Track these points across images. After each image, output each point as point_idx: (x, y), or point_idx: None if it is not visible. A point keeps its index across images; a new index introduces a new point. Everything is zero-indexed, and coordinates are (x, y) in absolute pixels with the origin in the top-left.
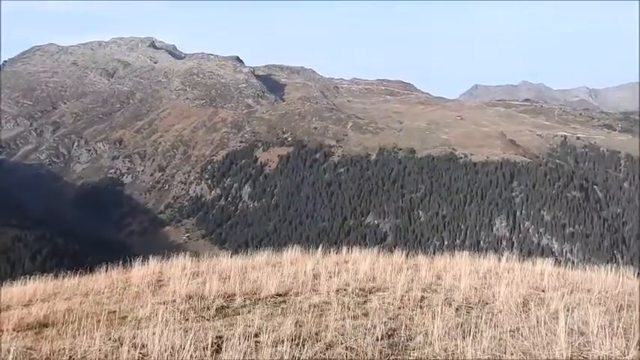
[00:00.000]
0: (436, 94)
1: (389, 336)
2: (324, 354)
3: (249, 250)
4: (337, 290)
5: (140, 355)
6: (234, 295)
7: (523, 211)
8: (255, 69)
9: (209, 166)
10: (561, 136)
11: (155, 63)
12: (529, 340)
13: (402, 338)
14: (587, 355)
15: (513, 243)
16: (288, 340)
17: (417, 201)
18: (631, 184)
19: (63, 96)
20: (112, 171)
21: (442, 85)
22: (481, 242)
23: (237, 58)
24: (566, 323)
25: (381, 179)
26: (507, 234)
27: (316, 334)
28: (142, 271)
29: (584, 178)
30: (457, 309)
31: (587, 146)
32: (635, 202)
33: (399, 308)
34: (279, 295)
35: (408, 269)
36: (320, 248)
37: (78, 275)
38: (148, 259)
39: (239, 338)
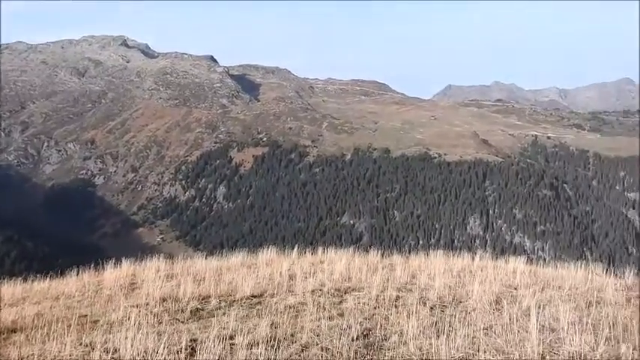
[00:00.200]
0: (410, 94)
1: (364, 336)
2: (300, 355)
3: (224, 251)
4: (313, 291)
5: None
6: (209, 297)
7: (496, 210)
8: (230, 69)
9: (183, 167)
10: (532, 135)
11: (127, 62)
12: (502, 337)
13: (378, 338)
14: (557, 351)
15: (487, 241)
16: (263, 341)
17: (392, 201)
18: (599, 183)
19: (32, 95)
20: (84, 172)
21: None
22: (455, 241)
23: (212, 58)
24: (537, 320)
25: (356, 179)
26: (481, 232)
27: (292, 335)
28: (115, 273)
29: (554, 176)
30: (432, 308)
31: (557, 145)
32: (604, 200)
33: (375, 308)
34: (255, 297)
35: (383, 269)
36: (295, 249)
37: (48, 279)
38: (121, 261)
39: (214, 341)
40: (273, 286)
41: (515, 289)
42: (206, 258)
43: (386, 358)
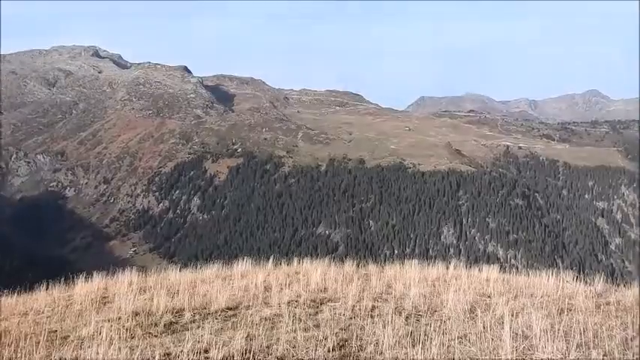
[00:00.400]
0: (385, 105)
1: (340, 347)
2: None
3: (198, 263)
4: (289, 302)
5: None
6: (183, 310)
7: (469, 219)
8: (204, 79)
9: (156, 178)
10: (504, 145)
11: (99, 72)
12: (476, 345)
13: (354, 348)
14: (530, 358)
15: (460, 250)
16: (238, 354)
17: (367, 211)
18: (569, 192)
19: (0, 106)
20: (54, 184)
21: (390, 96)
22: (430, 250)
23: (185, 68)
24: (510, 328)
25: (331, 189)
26: (455, 242)
27: (267, 347)
28: (86, 287)
29: (526, 186)
30: (407, 317)
31: (528, 155)
32: (574, 208)
33: (351, 318)
34: (230, 309)
35: (359, 279)
36: (271, 260)
37: (16, 294)
38: (92, 275)
39: (188, 355)
40: (248, 297)
41: (489, 297)
42: (180, 270)
43: None
